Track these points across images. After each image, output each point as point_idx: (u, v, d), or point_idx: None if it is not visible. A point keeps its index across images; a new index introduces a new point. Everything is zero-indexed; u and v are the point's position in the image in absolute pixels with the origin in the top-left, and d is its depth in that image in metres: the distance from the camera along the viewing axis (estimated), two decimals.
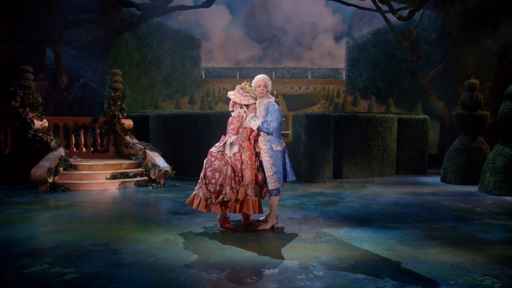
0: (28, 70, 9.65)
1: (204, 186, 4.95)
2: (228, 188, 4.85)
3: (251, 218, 5.39)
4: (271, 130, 4.93)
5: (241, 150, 4.97)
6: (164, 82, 16.45)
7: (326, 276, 3.52)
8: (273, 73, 16.89)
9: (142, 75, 15.69)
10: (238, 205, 4.94)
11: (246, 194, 4.95)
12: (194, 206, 5.02)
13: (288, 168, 5.13)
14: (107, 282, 3.37)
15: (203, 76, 17.12)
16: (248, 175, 4.93)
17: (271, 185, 5.00)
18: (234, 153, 4.94)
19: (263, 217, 5.41)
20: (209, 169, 4.97)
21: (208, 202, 4.92)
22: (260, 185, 5.07)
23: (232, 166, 4.91)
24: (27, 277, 3.46)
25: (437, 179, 10.12)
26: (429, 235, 4.90)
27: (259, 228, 5.13)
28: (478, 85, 9.64)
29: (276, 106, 5.06)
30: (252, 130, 5.02)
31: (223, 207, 4.90)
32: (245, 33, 17.17)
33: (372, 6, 13.73)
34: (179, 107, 16.46)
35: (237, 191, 4.90)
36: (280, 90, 15.72)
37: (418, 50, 14.66)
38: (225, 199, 4.84)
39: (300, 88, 16.78)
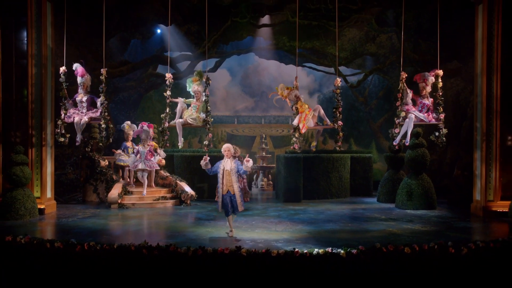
0: (95, 126, 14.14)
1: None
2: None
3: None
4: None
5: None
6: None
7: (285, 242, 8.00)
8: (263, 120, 21.82)
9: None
10: None
11: None
12: None
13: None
14: (190, 244, 7.76)
15: None
16: None
17: (241, 207, 8.96)
18: None
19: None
20: None
21: None
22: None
23: None
24: (155, 242, 7.86)
25: (375, 199, 14.65)
26: (342, 228, 9.43)
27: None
28: None
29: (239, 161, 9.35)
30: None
31: None
32: (241, 90, 21.85)
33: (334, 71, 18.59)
34: (191, 146, 21.12)
35: None
36: (268, 133, 20.51)
37: (370, 104, 19.55)
38: None
39: (283, 131, 21.72)
